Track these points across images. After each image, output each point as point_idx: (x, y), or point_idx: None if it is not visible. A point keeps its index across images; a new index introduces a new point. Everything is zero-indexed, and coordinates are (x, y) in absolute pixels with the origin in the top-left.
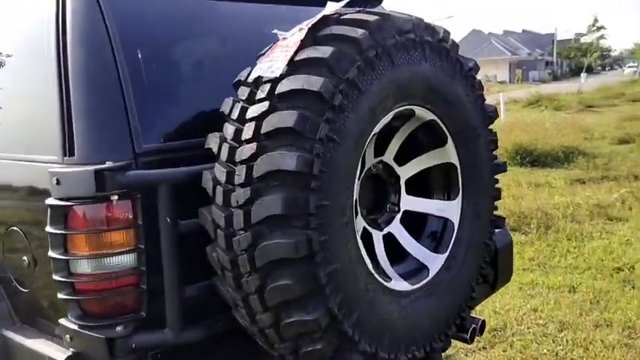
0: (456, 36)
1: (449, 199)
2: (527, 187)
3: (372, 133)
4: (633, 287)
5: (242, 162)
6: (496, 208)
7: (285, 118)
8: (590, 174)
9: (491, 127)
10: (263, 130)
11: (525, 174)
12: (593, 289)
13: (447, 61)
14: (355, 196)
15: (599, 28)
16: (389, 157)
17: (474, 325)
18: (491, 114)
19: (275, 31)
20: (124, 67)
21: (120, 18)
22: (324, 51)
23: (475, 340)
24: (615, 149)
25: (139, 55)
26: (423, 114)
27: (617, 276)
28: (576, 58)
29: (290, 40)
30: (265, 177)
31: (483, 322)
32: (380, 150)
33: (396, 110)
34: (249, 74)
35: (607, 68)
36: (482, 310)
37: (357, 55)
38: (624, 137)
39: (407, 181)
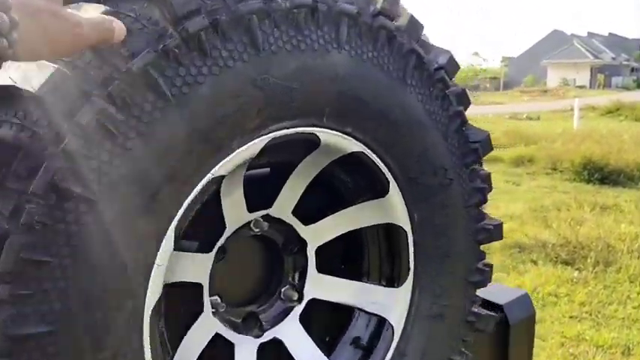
0: (536, 36)
1: (390, 284)
2: (591, 209)
3: (208, 177)
4: None
5: None
6: (475, 302)
7: None
8: None
9: (475, 165)
10: None
11: (591, 193)
12: None
13: (390, 52)
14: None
15: None
16: (283, 210)
17: None
18: (478, 146)
19: None
20: None
21: None
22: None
23: None
24: None
25: None
26: (340, 143)
27: None
28: None
29: None
30: None
31: None
32: (269, 197)
33: (272, 135)
34: None
35: None
36: None
37: (170, 25)
38: None
39: (319, 251)
